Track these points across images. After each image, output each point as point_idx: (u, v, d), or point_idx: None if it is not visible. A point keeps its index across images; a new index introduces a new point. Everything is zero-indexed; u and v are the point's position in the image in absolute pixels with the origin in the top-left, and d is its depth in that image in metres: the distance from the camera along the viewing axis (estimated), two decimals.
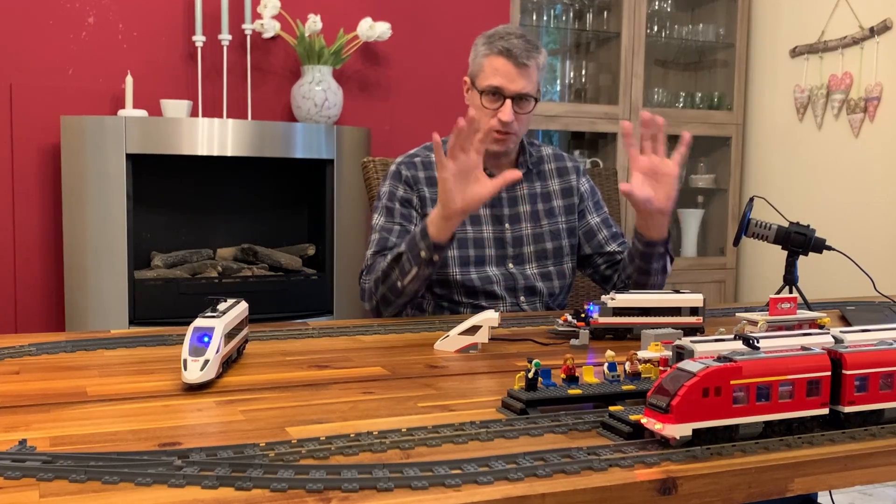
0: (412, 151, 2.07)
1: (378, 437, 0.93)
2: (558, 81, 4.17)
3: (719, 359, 0.92)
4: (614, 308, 1.52)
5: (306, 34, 3.25)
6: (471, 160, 1.68)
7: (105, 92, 3.19)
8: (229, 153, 3.06)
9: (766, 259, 4.00)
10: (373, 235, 1.97)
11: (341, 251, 3.28)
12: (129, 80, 3.07)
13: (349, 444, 0.91)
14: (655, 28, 4.10)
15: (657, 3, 4.09)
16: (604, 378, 1.11)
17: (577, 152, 4.10)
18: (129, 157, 2.95)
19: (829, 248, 1.85)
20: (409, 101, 3.63)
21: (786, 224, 1.87)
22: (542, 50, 1.96)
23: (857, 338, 1.08)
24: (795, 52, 3.87)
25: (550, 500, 0.80)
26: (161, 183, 3.26)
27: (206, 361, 1.15)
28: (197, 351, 1.15)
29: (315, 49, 3.25)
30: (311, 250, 3.41)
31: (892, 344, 1.02)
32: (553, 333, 1.57)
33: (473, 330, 1.43)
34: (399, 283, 1.78)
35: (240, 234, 3.42)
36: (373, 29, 3.33)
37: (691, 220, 4.24)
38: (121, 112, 3.04)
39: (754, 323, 1.38)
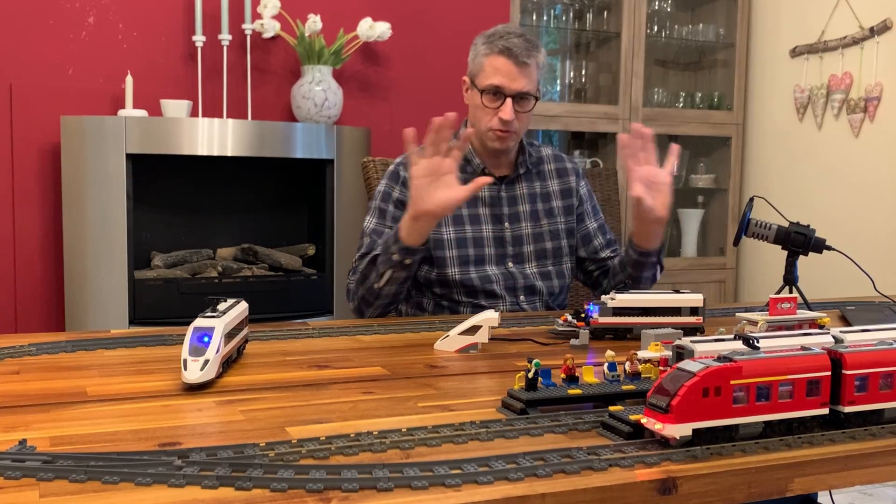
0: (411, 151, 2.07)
1: (378, 437, 0.93)
2: (558, 81, 4.16)
3: (719, 359, 0.92)
4: (614, 308, 1.52)
5: (306, 34, 3.25)
6: (444, 164, 1.69)
7: (105, 92, 3.19)
8: (229, 153, 3.06)
9: (766, 259, 4.00)
10: (363, 237, 1.97)
11: (341, 251, 3.28)
12: (129, 80, 3.07)
13: (349, 444, 0.91)
14: (655, 28, 4.10)
15: (657, 3, 4.09)
16: (604, 378, 1.11)
17: (577, 152, 4.10)
18: (129, 157, 2.95)
19: (829, 248, 1.85)
20: (409, 101, 3.63)
21: (786, 224, 1.87)
22: (542, 49, 1.97)
23: (857, 338, 1.08)
24: (795, 52, 3.87)
25: (550, 500, 0.80)
26: (161, 183, 3.26)
27: (206, 361, 1.15)
28: (197, 351, 1.15)
29: (315, 49, 3.25)
30: (311, 250, 3.41)
31: (892, 344, 1.02)
32: (553, 333, 1.57)
33: (473, 330, 1.43)
34: (375, 286, 1.80)
35: (240, 234, 3.42)
36: (373, 29, 3.33)
37: (691, 220, 4.24)
38: (121, 112, 3.04)
39: (754, 323, 1.38)
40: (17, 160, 3.10)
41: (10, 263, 3.12)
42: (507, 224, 2.02)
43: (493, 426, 0.98)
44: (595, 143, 4.15)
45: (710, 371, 0.89)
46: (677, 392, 0.88)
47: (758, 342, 0.99)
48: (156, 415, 1.03)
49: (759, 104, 4.11)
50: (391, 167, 2.04)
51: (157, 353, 1.38)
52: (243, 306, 1.34)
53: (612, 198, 2.48)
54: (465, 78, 2.01)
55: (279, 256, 3.32)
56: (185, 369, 1.14)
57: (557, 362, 1.15)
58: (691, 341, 1.02)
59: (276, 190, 3.49)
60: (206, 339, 1.17)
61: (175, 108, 3.10)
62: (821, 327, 1.37)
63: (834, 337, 1.08)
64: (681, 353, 1.01)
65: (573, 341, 1.50)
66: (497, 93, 1.92)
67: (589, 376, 1.11)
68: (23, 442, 0.89)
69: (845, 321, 1.79)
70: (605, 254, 2.11)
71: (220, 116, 3.26)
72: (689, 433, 0.89)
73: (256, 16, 3.26)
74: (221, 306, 1.27)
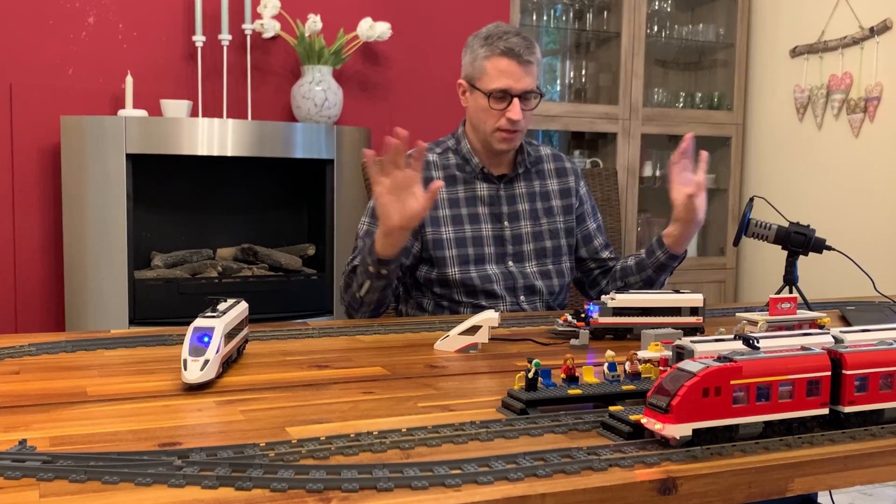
0: (409, 152, 2.06)
1: (378, 437, 0.93)
2: (558, 81, 4.16)
3: (719, 359, 0.92)
4: (614, 308, 1.52)
5: (306, 34, 3.25)
6: (407, 175, 1.70)
7: (105, 92, 3.19)
8: (229, 153, 3.06)
9: (766, 259, 4.00)
10: (357, 239, 1.99)
11: (341, 251, 3.28)
12: (129, 80, 3.07)
13: (349, 444, 0.91)
14: (655, 28, 4.10)
15: (657, 3, 4.08)
16: (604, 378, 1.11)
17: (577, 152, 4.10)
18: (129, 157, 2.95)
19: (829, 248, 1.85)
20: (409, 101, 3.63)
21: (786, 224, 1.87)
22: (537, 45, 1.98)
23: (857, 338, 1.08)
24: (795, 52, 3.87)
25: (550, 500, 0.80)
26: (161, 183, 3.26)
27: (206, 361, 1.15)
28: (197, 351, 1.15)
29: (315, 49, 3.25)
30: (311, 250, 3.41)
31: (892, 344, 1.02)
32: (553, 333, 1.57)
33: (473, 330, 1.43)
34: (357, 294, 1.83)
35: (240, 234, 3.42)
36: (373, 29, 3.33)
37: None
38: (121, 112, 3.04)
39: (754, 323, 1.38)
40: (17, 160, 3.10)
41: (10, 263, 3.12)
42: (506, 223, 2.02)
43: (493, 426, 0.98)
44: (595, 143, 4.15)
45: (710, 371, 0.89)
46: (677, 392, 0.88)
47: (758, 342, 0.99)
48: (156, 415, 1.03)
49: (759, 104, 4.11)
50: None
51: (157, 353, 1.38)
52: (243, 306, 1.34)
53: (612, 198, 2.48)
54: (462, 81, 2.00)
55: (279, 256, 3.32)
56: (185, 369, 1.14)
57: (557, 362, 1.15)
58: (691, 341, 1.02)
59: (276, 190, 3.49)
60: (206, 339, 1.17)
61: (175, 108, 3.10)
62: (821, 327, 1.36)
63: (834, 337, 1.08)
64: (681, 353, 1.01)
65: (573, 341, 1.50)
66: (504, 94, 1.92)
67: (589, 376, 1.11)
68: (23, 442, 0.89)
69: (845, 321, 1.79)
70: (605, 254, 2.13)
71: (220, 116, 3.26)
72: (689, 433, 0.89)
73: (256, 16, 3.26)
74: (221, 306, 1.27)
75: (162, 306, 3.02)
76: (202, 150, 3.02)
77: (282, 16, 3.27)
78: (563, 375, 1.10)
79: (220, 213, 3.42)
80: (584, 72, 4.16)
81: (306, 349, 1.44)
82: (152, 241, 3.27)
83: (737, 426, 0.92)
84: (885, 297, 1.97)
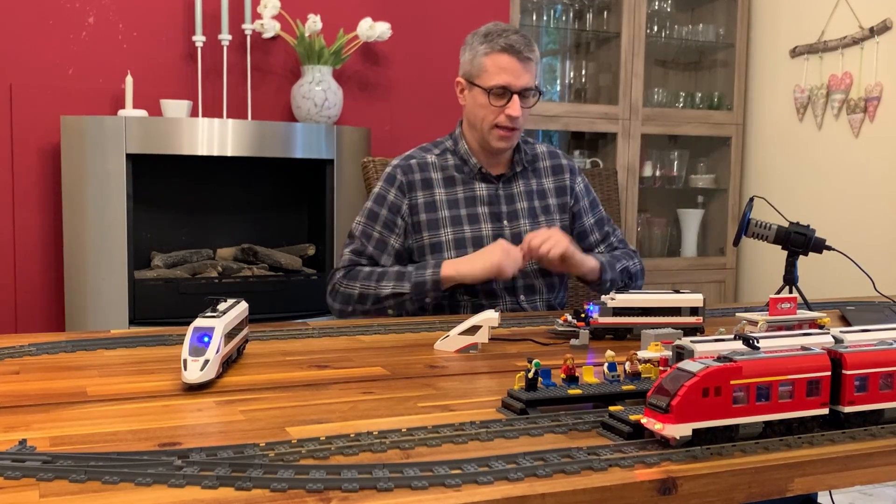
0: (408, 153, 2.07)
1: (378, 437, 0.93)
2: (558, 81, 4.16)
3: (719, 359, 0.92)
4: (614, 308, 1.52)
5: (306, 34, 3.25)
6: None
7: (105, 92, 3.19)
8: (229, 153, 3.06)
9: (766, 259, 4.00)
10: (351, 237, 2.02)
11: (341, 251, 3.27)
12: (129, 80, 3.07)
13: (349, 444, 0.91)
14: (655, 28, 4.10)
15: (657, 3, 4.08)
16: (604, 378, 1.11)
17: (576, 152, 4.10)
18: (129, 157, 2.95)
19: (829, 248, 1.85)
20: (409, 101, 3.63)
21: (786, 224, 1.87)
22: (535, 43, 1.99)
23: (857, 338, 1.08)
24: (795, 52, 3.87)
25: (550, 500, 0.80)
26: (161, 183, 3.25)
27: (206, 361, 1.15)
28: (197, 351, 1.15)
29: (315, 49, 3.25)
30: (311, 250, 3.41)
31: (892, 344, 1.02)
32: (553, 333, 1.57)
33: (473, 330, 1.43)
34: (390, 311, 1.92)
35: (240, 234, 3.42)
36: (373, 29, 3.33)
37: (691, 220, 4.24)
38: (121, 112, 3.04)
39: (754, 323, 1.38)
40: (17, 160, 3.10)
41: (10, 263, 3.12)
42: (505, 222, 2.02)
43: (493, 426, 0.98)
44: (595, 143, 4.15)
45: (710, 371, 0.89)
46: (677, 392, 0.88)
47: (758, 342, 0.99)
48: (156, 415, 1.03)
49: (759, 104, 4.11)
50: (388, 169, 2.04)
51: (157, 353, 1.38)
52: (243, 306, 1.34)
53: (612, 197, 2.48)
54: (460, 79, 2.01)
55: (279, 256, 3.32)
56: (185, 369, 1.14)
57: (557, 362, 1.15)
58: (691, 341, 1.02)
59: (276, 190, 3.49)
60: (206, 339, 1.17)
61: (175, 108, 3.10)
62: (821, 327, 1.37)
63: (834, 337, 1.08)
64: (681, 353, 1.01)
65: (573, 341, 1.50)
66: (504, 91, 1.92)
67: (589, 376, 1.11)
68: (23, 442, 0.89)
69: (845, 321, 1.79)
70: (600, 249, 2.13)
71: (220, 116, 3.26)
72: (689, 433, 0.89)
73: (256, 16, 3.26)
74: (221, 306, 1.27)
75: (162, 306, 3.02)
76: (202, 150, 3.02)
77: (282, 16, 3.27)
78: (563, 375, 1.10)
79: (220, 213, 3.42)
80: (584, 72, 4.16)
81: (306, 349, 1.44)
82: (152, 241, 3.27)
83: (737, 426, 0.92)
84: (885, 297, 1.97)
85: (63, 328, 3.08)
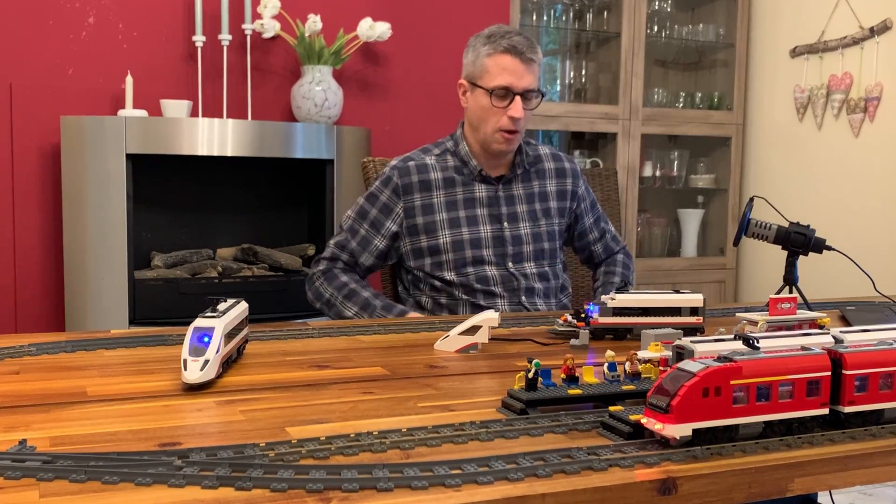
0: (408, 154, 2.07)
1: (378, 437, 0.93)
2: (558, 81, 4.16)
3: (719, 359, 0.92)
4: (614, 308, 1.52)
5: (306, 34, 3.25)
6: None
7: (105, 92, 3.19)
8: (229, 153, 3.06)
9: (766, 259, 4.00)
10: (340, 229, 2.06)
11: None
12: (129, 80, 3.07)
13: (349, 444, 0.91)
14: (655, 28, 4.10)
15: (657, 3, 4.08)
16: (604, 378, 1.11)
17: (577, 152, 4.10)
18: (129, 157, 2.95)
19: (829, 248, 1.85)
20: (409, 101, 3.63)
21: (786, 224, 1.87)
22: (538, 45, 1.99)
23: (857, 338, 1.08)
24: (795, 52, 3.87)
25: (550, 500, 0.80)
26: (161, 183, 3.26)
27: (206, 361, 1.14)
28: (197, 351, 1.15)
29: (315, 49, 3.25)
30: (311, 250, 3.41)
31: (892, 344, 1.01)
32: (553, 333, 1.57)
33: (473, 330, 1.43)
34: (345, 312, 1.96)
35: (240, 234, 3.42)
36: (373, 29, 3.33)
37: (691, 220, 4.24)
38: (121, 112, 3.04)
39: (754, 323, 1.38)
40: (17, 160, 3.10)
41: (10, 263, 3.12)
42: (505, 224, 2.02)
43: (493, 426, 0.98)
44: (595, 143, 4.15)
45: (710, 371, 0.89)
46: (677, 392, 0.88)
47: (758, 342, 0.99)
48: (156, 415, 1.03)
49: (759, 104, 4.11)
50: (386, 169, 2.04)
51: (157, 353, 1.38)
52: (243, 306, 1.34)
53: (612, 197, 2.48)
54: (463, 81, 2.00)
55: (279, 256, 3.32)
56: (185, 369, 1.14)
57: (557, 362, 1.15)
58: (691, 341, 1.02)
59: (276, 190, 3.49)
60: (206, 339, 1.17)
61: (175, 108, 3.10)
62: (821, 327, 1.36)
63: (834, 337, 1.08)
64: (681, 353, 1.01)
65: (573, 341, 1.50)
66: (506, 92, 1.91)
67: (589, 376, 1.11)
68: (23, 442, 0.89)
69: (845, 321, 1.79)
70: (596, 247, 2.19)
71: (220, 116, 3.26)
72: (689, 433, 0.89)
73: (256, 16, 3.26)
74: (221, 306, 1.27)
75: (162, 306, 3.02)
76: (202, 150, 3.02)
77: (282, 16, 3.27)
78: (563, 375, 1.10)
79: (220, 213, 3.42)
80: (584, 72, 4.16)
81: (306, 349, 1.44)
82: (152, 241, 3.27)
83: (737, 426, 0.92)
84: (885, 297, 1.97)
85: (63, 328, 3.08)
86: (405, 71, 3.62)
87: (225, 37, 3.23)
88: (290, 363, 1.34)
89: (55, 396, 1.11)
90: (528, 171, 2.08)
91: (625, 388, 1.08)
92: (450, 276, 1.96)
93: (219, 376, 1.19)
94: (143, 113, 3.04)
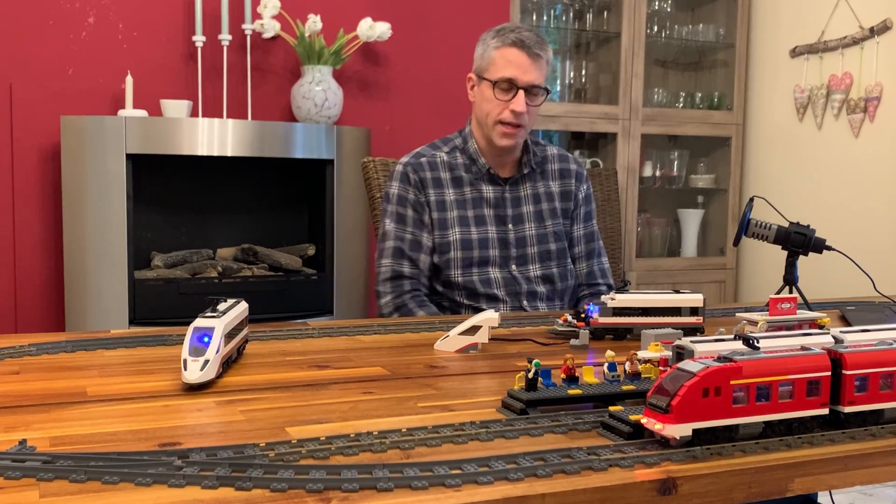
0: (417, 150, 2.06)
1: (378, 437, 0.93)
2: (558, 81, 4.16)
3: (719, 359, 0.92)
4: (614, 308, 1.52)
5: (306, 34, 3.25)
6: None
7: (105, 92, 3.19)
8: (229, 153, 3.06)
9: (766, 259, 4.00)
10: (385, 242, 1.97)
11: (341, 251, 3.28)
12: (129, 80, 3.07)
13: (349, 444, 0.91)
14: (655, 28, 4.10)
15: (657, 3, 4.08)
16: (604, 378, 1.11)
17: (577, 152, 4.10)
18: (129, 157, 2.95)
19: (829, 248, 1.85)
20: (409, 101, 3.63)
21: (786, 224, 1.87)
22: (548, 45, 1.97)
23: (857, 338, 1.08)
24: (795, 53, 3.86)
25: (550, 500, 0.80)
26: (161, 183, 3.26)
27: (206, 361, 1.14)
28: (197, 351, 1.15)
29: (315, 49, 3.25)
30: (311, 250, 3.41)
31: (892, 344, 1.01)
32: (553, 333, 1.57)
33: (473, 330, 1.43)
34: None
35: (240, 234, 3.42)
36: (373, 29, 3.33)
37: (691, 220, 4.24)
38: (121, 112, 3.04)
39: (754, 323, 1.38)
40: (17, 160, 3.10)
41: (10, 263, 3.12)
42: (510, 225, 2.02)
43: (493, 426, 0.98)
44: (595, 143, 4.15)
45: (710, 371, 0.89)
46: (677, 392, 0.88)
47: (758, 342, 0.99)
48: (156, 415, 1.03)
49: (759, 104, 4.11)
50: (399, 168, 2.02)
51: (157, 353, 1.38)
52: (243, 306, 1.34)
53: (612, 197, 2.48)
54: (472, 75, 2.00)
55: (279, 256, 3.32)
56: (185, 369, 1.14)
57: (557, 362, 1.14)
58: (691, 341, 1.02)
59: (276, 190, 3.49)
60: (206, 339, 1.17)
61: (175, 108, 3.10)
62: (821, 327, 1.36)
63: (834, 337, 1.08)
64: (681, 353, 1.01)
65: (573, 341, 1.50)
66: (510, 85, 1.91)
67: (589, 376, 1.11)
68: (23, 442, 0.89)
69: (845, 321, 1.79)
70: (580, 265, 2.10)
71: (220, 116, 3.26)
72: (689, 433, 0.89)
73: (256, 16, 3.26)
74: (221, 306, 1.27)
75: (162, 306, 3.02)
76: (202, 150, 3.02)
77: (282, 16, 3.27)
78: (563, 375, 1.10)
79: (220, 213, 3.42)
80: (584, 72, 4.16)
81: (306, 349, 1.44)
82: (152, 241, 3.27)
83: (737, 426, 0.92)
84: (885, 297, 1.97)
85: (63, 328, 3.08)
86: (405, 71, 3.62)
87: (225, 37, 3.23)
88: (290, 363, 1.34)
89: (55, 396, 1.11)
90: (534, 171, 2.07)
91: (625, 388, 1.08)
92: (455, 276, 1.96)
93: (219, 376, 1.19)
94: (143, 113, 3.04)
